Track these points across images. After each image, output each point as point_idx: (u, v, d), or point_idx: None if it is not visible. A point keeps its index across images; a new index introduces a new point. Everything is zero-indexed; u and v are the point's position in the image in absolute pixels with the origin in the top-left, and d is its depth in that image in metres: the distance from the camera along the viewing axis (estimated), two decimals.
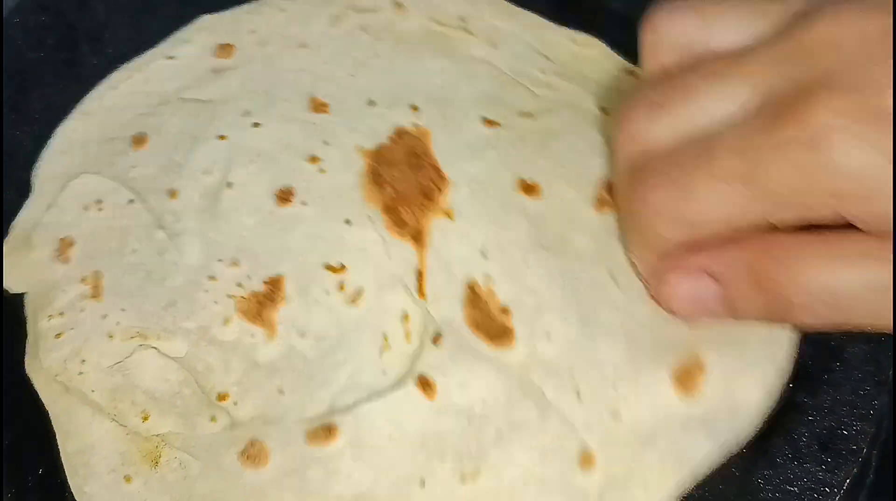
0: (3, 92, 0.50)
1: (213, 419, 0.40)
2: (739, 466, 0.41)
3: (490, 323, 0.42)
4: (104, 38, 0.52)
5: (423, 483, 0.39)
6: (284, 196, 0.46)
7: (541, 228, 0.45)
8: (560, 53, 0.52)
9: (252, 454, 0.39)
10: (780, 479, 0.40)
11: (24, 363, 0.42)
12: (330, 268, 0.44)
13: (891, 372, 0.43)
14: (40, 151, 0.48)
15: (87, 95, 0.50)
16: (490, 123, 0.48)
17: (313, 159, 0.47)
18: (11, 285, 0.44)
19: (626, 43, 0.50)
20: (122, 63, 0.51)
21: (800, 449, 0.41)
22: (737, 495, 0.40)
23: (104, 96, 0.50)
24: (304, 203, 0.46)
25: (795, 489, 0.40)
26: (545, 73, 0.51)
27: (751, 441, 0.41)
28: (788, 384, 0.42)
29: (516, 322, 0.42)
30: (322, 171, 0.47)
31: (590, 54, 0.52)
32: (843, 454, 0.41)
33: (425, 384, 0.40)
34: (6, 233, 0.46)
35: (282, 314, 0.43)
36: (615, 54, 0.52)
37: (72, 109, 0.50)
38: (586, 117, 0.48)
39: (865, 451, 0.41)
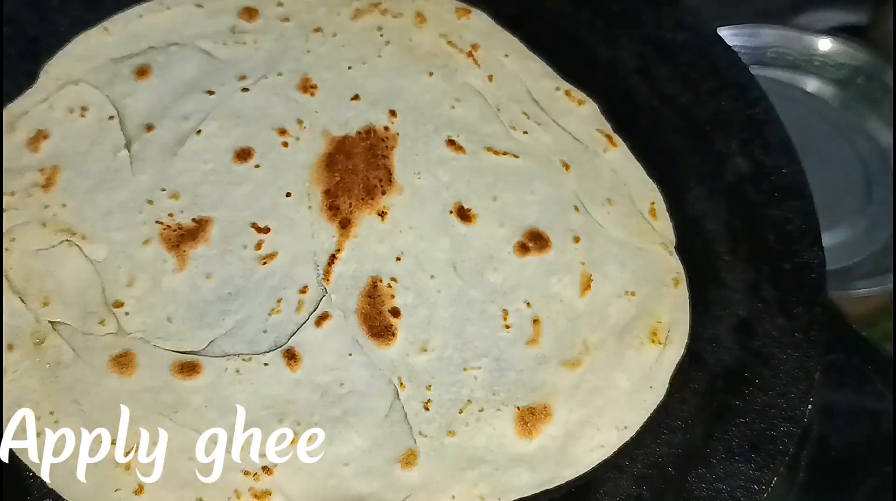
0: None
1: (102, 322, 0.44)
2: (676, 465, 0.43)
3: (377, 319, 0.45)
4: None
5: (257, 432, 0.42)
6: (243, 156, 0.50)
7: (461, 253, 0.48)
8: (551, 104, 0.54)
9: (122, 362, 0.43)
10: (713, 477, 0.43)
11: None
12: (255, 227, 0.47)
13: (817, 375, 0.45)
14: None
15: (115, 15, 0.54)
16: (457, 148, 0.51)
17: (282, 132, 0.51)
18: None
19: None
20: None
21: (732, 449, 0.43)
22: (674, 493, 0.42)
23: (129, 20, 0.54)
24: (257, 166, 0.49)
25: (727, 486, 0.42)
26: (529, 117, 0.53)
27: (688, 441, 0.44)
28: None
29: (402, 326, 0.45)
30: (285, 144, 0.50)
31: (580, 111, 0.54)
32: (772, 453, 0.43)
33: (293, 356, 0.44)
34: None
35: (198, 252, 0.46)
36: (603, 118, 0.54)
37: None
38: (545, 169, 0.51)
39: (792, 451, 0.43)
